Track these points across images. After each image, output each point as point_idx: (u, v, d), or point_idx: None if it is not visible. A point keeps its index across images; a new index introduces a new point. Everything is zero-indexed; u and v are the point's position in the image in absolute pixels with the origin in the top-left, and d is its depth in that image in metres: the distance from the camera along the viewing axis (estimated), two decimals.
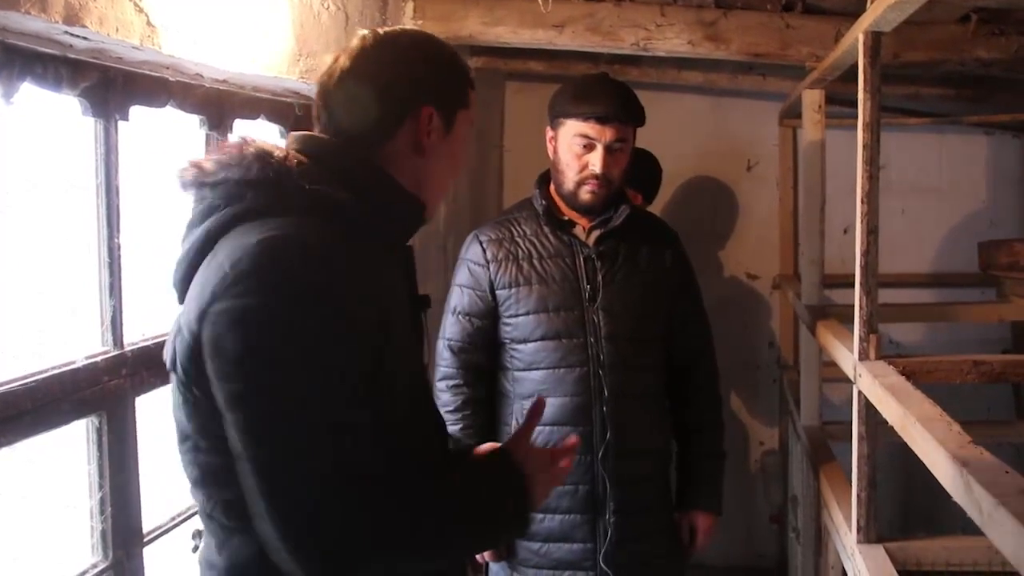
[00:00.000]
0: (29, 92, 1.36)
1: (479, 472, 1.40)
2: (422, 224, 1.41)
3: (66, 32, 1.31)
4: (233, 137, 1.27)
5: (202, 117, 1.86)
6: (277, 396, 1.11)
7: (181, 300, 1.24)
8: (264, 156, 1.23)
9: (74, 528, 1.56)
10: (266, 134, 2.13)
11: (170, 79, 1.70)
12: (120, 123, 1.59)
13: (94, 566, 1.54)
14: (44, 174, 1.54)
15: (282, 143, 1.35)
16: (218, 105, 1.88)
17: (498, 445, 1.49)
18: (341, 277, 1.16)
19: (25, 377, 1.36)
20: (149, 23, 1.47)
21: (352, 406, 1.14)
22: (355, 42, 1.37)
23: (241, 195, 1.21)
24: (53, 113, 1.51)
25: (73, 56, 1.43)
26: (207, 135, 1.88)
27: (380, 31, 1.39)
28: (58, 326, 1.58)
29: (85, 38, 1.36)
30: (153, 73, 1.65)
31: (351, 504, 1.11)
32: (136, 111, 1.63)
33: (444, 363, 2.39)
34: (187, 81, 1.75)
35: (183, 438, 1.21)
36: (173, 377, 1.21)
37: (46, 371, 1.41)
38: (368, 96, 1.33)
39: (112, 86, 1.55)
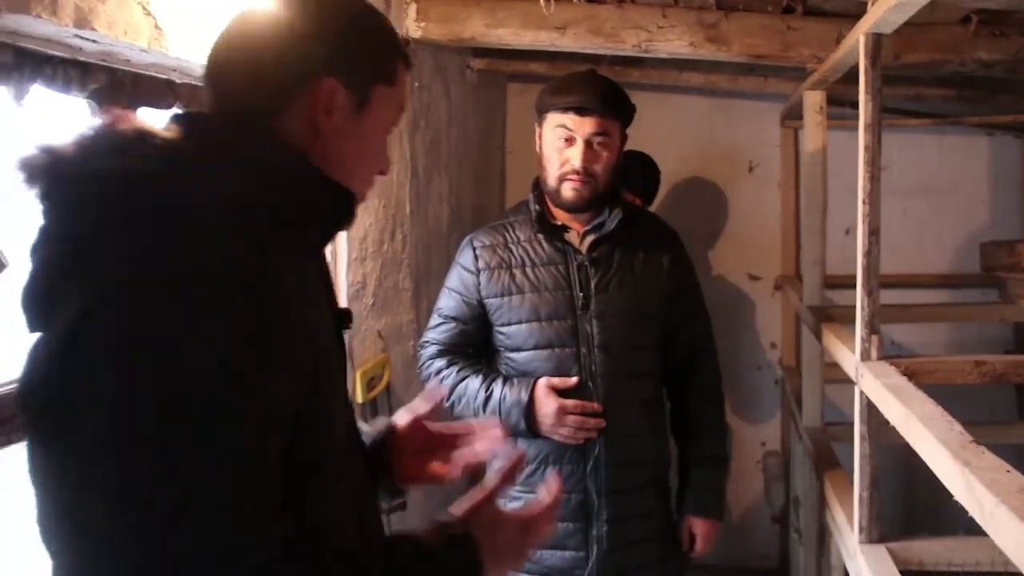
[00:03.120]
0: (39, 94, 1.38)
1: (424, 561, 1.05)
2: (352, 221, 1.14)
3: (76, 35, 1.33)
4: (99, 114, 0.96)
5: None
6: (144, 470, 0.83)
7: (35, 327, 0.93)
8: (150, 141, 0.96)
9: None
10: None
11: (176, 81, 1.71)
12: None
13: None
14: None
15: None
16: None
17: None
18: (270, 311, 0.90)
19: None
20: (157, 26, 1.49)
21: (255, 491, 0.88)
22: None
23: (125, 195, 0.91)
24: (62, 115, 1.52)
25: (82, 59, 1.45)
26: None
27: None
28: None
29: (94, 41, 1.38)
30: (160, 75, 1.66)
31: None
32: (143, 113, 1.64)
33: (421, 357, 2.38)
34: (193, 83, 1.76)
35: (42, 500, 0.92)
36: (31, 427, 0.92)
37: None
38: (256, 60, 1.06)
39: (120, 88, 1.56)
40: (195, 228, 0.91)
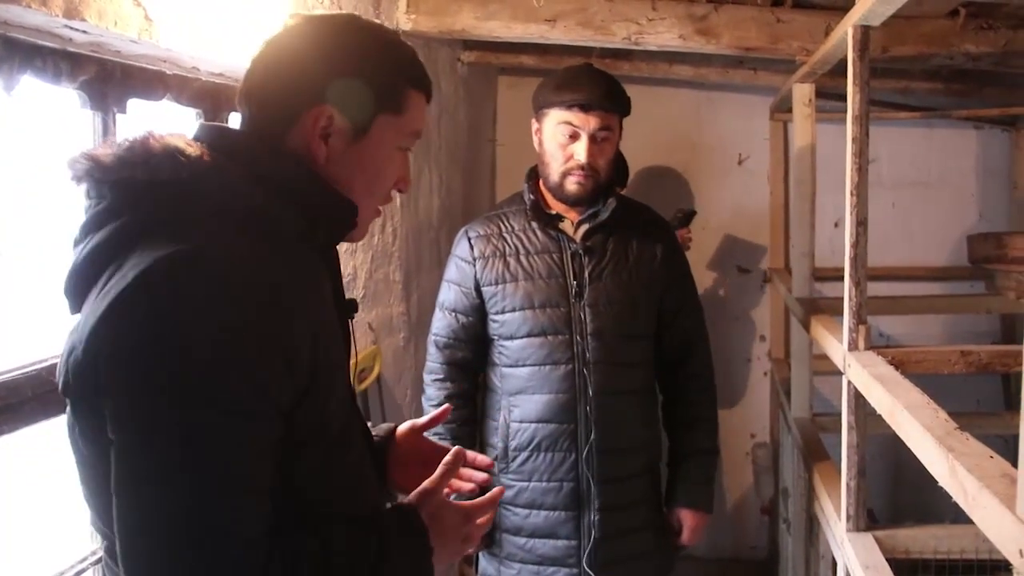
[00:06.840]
0: (29, 85, 1.37)
1: (377, 535, 1.14)
2: (352, 228, 1.24)
3: (66, 26, 1.32)
4: (133, 130, 1.11)
5: (198, 110, 1.87)
6: (162, 443, 0.95)
7: (75, 310, 1.09)
8: (176, 154, 1.08)
9: (71, 516, 1.57)
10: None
11: (167, 72, 1.71)
12: (118, 116, 1.60)
13: (93, 553, 1.55)
14: (44, 166, 1.55)
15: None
16: (214, 98, 1.89)
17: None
18: (267, 304, 1.01)
19: (26, 365, 1.38)
20: (147, 17, 1.49)
21: (249, 460, 0.99)
22: (281, 26, 1.24)
23: (149, 200, 1.06)
24: (52, 106, 1.52)
25: (72, 50, 1.45)
26: None
27: (311, 14, 1.26)
28: (59, 316, 1.59)
29: (84, 31, 1.37)
30: (150, 66, 1.66)
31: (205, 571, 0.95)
32: (134, 104, 1.64)
33: (430, 358, 2.42)
34: (184, 74, 1.76)
35: (79, 465, 1.09)
36: (67, 401, 1.06)
37: (47, 360, 1.42)
38: (268, 86, 1.19)
39: (110, 79, 1.56)
40: (211, 235, 1.03)
